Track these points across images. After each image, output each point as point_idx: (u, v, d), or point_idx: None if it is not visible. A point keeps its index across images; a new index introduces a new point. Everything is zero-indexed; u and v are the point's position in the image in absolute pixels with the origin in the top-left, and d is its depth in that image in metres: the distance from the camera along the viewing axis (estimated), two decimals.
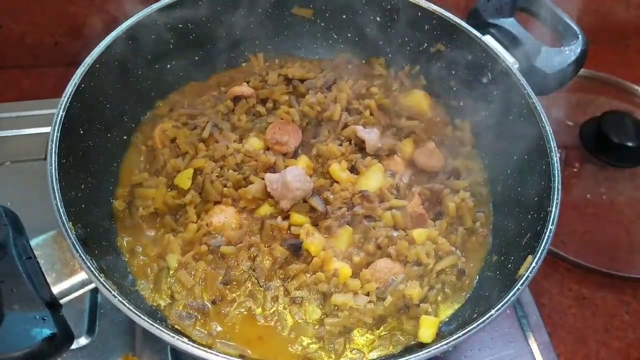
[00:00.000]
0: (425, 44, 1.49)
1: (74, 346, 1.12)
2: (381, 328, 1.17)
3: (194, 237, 1.22)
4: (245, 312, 1.16)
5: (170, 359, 1.27)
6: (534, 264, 1.07)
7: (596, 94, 1.86)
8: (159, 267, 1.20)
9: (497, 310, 1.01)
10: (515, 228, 1.25)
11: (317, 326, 1.15)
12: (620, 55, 2.14)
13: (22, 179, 1.52)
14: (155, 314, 1.14)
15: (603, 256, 1.56)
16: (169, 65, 1.45)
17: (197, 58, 1.50)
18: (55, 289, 0.99)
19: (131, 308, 0.96)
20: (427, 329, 1.13)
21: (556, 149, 1.22)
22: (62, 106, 1.15)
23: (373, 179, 1.31)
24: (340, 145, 1.37)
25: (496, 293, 1.10)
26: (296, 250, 1.21)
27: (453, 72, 1.47)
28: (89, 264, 0.98)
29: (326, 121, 1.42)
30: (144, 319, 0.95)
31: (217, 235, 1.22)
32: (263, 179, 1.27)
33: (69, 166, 1.13)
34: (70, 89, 1.17)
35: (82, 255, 0.99)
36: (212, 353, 0.94)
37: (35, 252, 1.00)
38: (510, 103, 1.33)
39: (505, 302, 1.03)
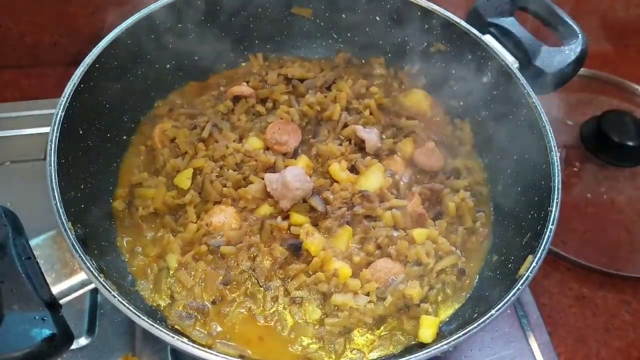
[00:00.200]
0: (425, 44, 1.49)
1: (73, 346, 1.12)
2: (381, 328, 1.17)
3: (194, 237, 1.22)
4: (245, 312, 1.16)
5: (170, 359, 1.27)
6: (534, 264, 1.07)
7: (596, 94, 1.86)
8: (158, 267, 1.20)
9: (497, 310, 1.01)
10: (516, 228, 1.25)
11: (317, 326, 1.15)
12: (620, 55, 2.14)
13: (21, 179, 1.52)
14: (155, 314, 1.13)
15: (603, 256, 1.56)
16: (168, 65, 1.45)
17: (196, 58, 1.50)
18: (55, 289, 0.99)
19: (131, 308, 0.96)
20: (427, 329, 1.13)
21: (556, 148, 1.21)
22: (62, 106, 1.14)
23: (373, 179, 1.31)
24: (340, 145, 1.37)
25: (496, 293, 1.10)
26: (296, 250, 1.21)
27: (453, 71, 1.47)
28: (88, 264, 0.98)
29: (326, 121, 1.42)
30: (143, 319, 0.95)
31: (216, 235, 1.22)
32: (263, 178, 1.27)
33: (68, 166, 1.13)
34: (69, 89, 1.17)
35: (81, 255, 0.98)
36: (212, 353, 0.94)
37: (35, 252, 1.00)
38: (510, 102, 1.33)
39: (506, 302, 1.02)
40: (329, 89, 1.48)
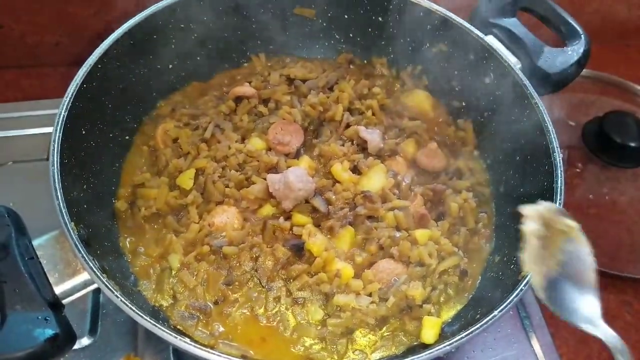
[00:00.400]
0: (428, 44, 1.48)
1: (76, 346, 1.12)
2: (384, 329, 1.17)
3: (196, 237, 1.22)
4: (248, 313, 1.16)
5: (173, 359, 1.27)
6: None
7: (598, 94, 1.85)
8: (161, 268, 1.20)
9: (500, 311, 1.01)
10: (518, 228, 1.25)
11: (319, 327, 1.15)
12: (622, 55, 2.14)
13: (24, 180, 1.51)
14: (157, 315, 1.14)
15: (605, 256, 1.55)
16: (170, 66, 1.45)
17: (198, 58, 1.50)
18: (58, 289, 0.99)
19: (133, 308, 0.96)
20: (429, 330, 1.13)
21: (559, 149, 1.21)
22: (65, 106, 1.14)
23: (375, 180, 1.31)
24: (343, 145, 1.37)
25: (499, 294, 1.10)
26: (298, 250, 1.21)
27: (455, 72, 1.47)
28: (91, 265, 0.98)
29: (328, 121, 1.42)
30: (146, 319, 0.95)
31: (219, 235, 1.22)
32: (265, 179, 1.27)
33: (71, 166, 1.13)
34: (72, 89, 1.17)
35: (84, 255, 0.99)
36: (214, 353, 0.94)
37: (38, 253, 1.00)
38: (512, 103, 1.33)
39: (508, 303, 1.03)
40: (331, 89, 1.48)
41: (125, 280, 1.16)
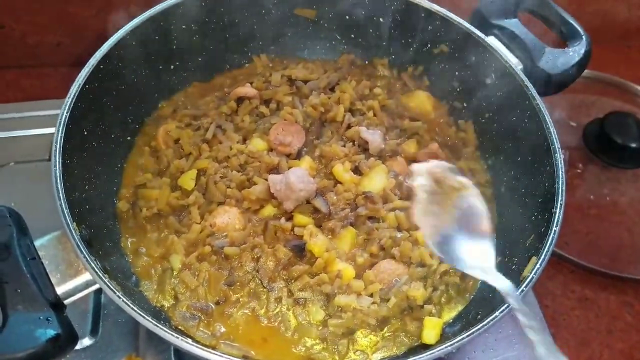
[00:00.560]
0: (429, 45, 1.49)
1: (77, 347, 1.11)
2: (385, 329, 1.17)
3: (198, 237, 1.22)
4: (249, 313, 1.16)
5: (174, 359, 1.27)
6: (538, 265, 1.07)
7: (599, 95, 1.85)
8: (162, 268, 1.20)
9: (501, 312, 1.01)
10: (519, 229, 1.25)
11: (320, 327, 1.15)
12: (623, 56, 2.14)
13: (26, 180, 1.51)
14: (159, 315, 1.14)
15: (606, 257, 1.56)
16: (172, 66, 1.45)
17: (200, 59, 1.50)
18: (60, 290, 0.99)
19: (135, 308, 0.96)
20: (430, 330, 1.13)
21: (560, 149, 1.21)
22: (67, 107, 1.14)
23: (376, 180, 1.31)
24: (344, 146, 1.37)
25: (500, 294, 1.10)
26: (300, 251, 1.21)
27: (456, 73, 1.47)
28: (93, 265, 0.98)
29: (329, 122, 1.42)
30: (147, 320, 0.95)
31: (220, 236, 1.22)
32: (266, 179, 1.27)
33: (73, 167, 1.13)
34: (74, 89, 1.17)
35: (86, 255, 0.99)
36: (215, 354, 0.94)
37: (40, 253, 1.00)
38: (513, 104, 1.33)
39: (510, 304, 1.02)
40: (332, 90, 1.49)
41: (127, 281, 1.16)
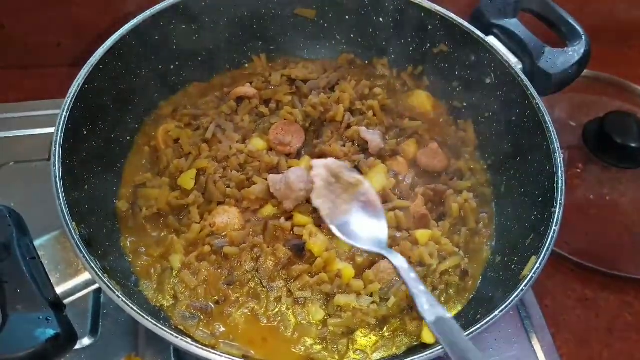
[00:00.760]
0: (428, 45, 1.49)
1: (77, 346, 1.11)
2: (384, 329, 1.17)
3: (198, 237, 1.22)
4: (249, 313, 1.16)
5: (173, 359, 1.27)
6: (538, 265, 1.07)
7: (599, 95, 1.85)
8: (162, 268, 1.20)
9: (500, 311, 1.01)
10: (519, 229, 1.25)
11: (320, 327, 1.15)
12: (623, 56, 2.13)
13: (25, 180, 1.52)
14: (158, 315, 1.14)
15: (606, 257, 1.56)
16: (172, 66, 1.45)
17: (200, 59, 1.50)
18: (59, 290, 0.99)
19: (135, 308, 0.96)
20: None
21: (559, 149, 1.21)
22: (66, 107, 1.15)
23: (376, 180, 1.31)
24: (344, 146, 1.37)
25: (500, 294, 1.10)
26: (299, 250, 1.21)
27: (456, 72, 1.47)
28: (92, 265, 0.98)
29: (329, 122, 1.42)
30: (147, 319, 0.95)
31: (220, 235, 1.22)
32: (266, 179, 1.27)
33: (72, 167, 1.13)
34: (73, 89, 1.18)
35: (85, 255, 0.99)
36: (215, 353, 0.94)
37: (39, 253, 1.00)
38: (513, 104, 1.33)
39: (509, 303, 1.03)
40: (332, 90, 1.49)
41: (127, 281, 1.16)
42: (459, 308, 1.22)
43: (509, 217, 1.32)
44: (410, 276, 1.01)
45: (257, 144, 1.36)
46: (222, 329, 1.14)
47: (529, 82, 1.30)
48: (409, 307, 1.17)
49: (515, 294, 1.04)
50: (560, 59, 1.35)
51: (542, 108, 1.26)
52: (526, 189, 1.29)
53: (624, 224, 1.62)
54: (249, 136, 1.39)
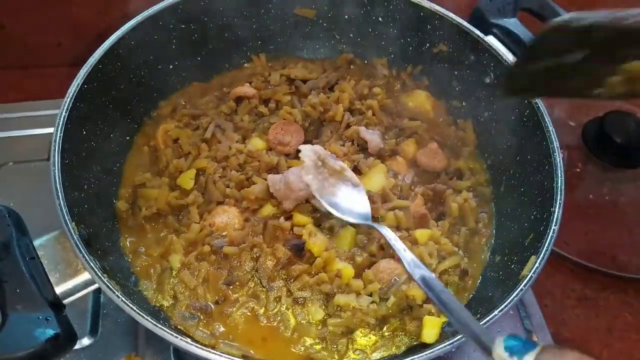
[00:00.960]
0: (428, 45, 1.49)
1: (76, 346, 1.12)
2: (384, 328, 1.17)
3: (197, 237, 1.22)
4: (248, 313, 1.17)
5: (173, 359, 1.27)
6: (537, 264, 1.08)
7: None
8: (162, 268, 1.20)
9: (500, 311, 1.02)
10: (518, 228, 1.25)
11: (320, 327, 1.15)
12: None
13: (25, 180, 1.52)
14: (158, 315, 1.14)
15: (605, 257, 1.56)
16: (171, 66, 1.46)
17: (199, 59, 1.50)
18: (59, 289, 0.99)
19: (134, 308, 0.96)
20: (430, 330, 1.13)
21: (559, 149, 1.21)
22: (65, 107, 1.15)
23: (376, 180, 1.31)
24: (343, 145, 1.37)
25: (499, 293, 1.10)
26: (299, 250, 1.21)
27: (455, 72, 1.47)
28: (92, 264, 0.98)
29: (328, 122, 1.42)
30: (147, 319, 0.95)
31: (219, 235, 1.22)
32: (265, 179, 1.27)
33: (72, 167, 1.13)
34: (73, 89, 1.18)
35: (85, 255, 0.99)
36: (215, 353, 0.94)
37: (39, 253, 1.00)
38: (512, 103, 1.33)
39: (509, 303, 1.03)
40: (331, 89, 1.49)
41: (126, 280, 1.16)
42: None
43: (509, 217, 1.32)
44: (396, 244, 1.11)
45: (256, 143, 1.37)
46: (222, 328, 1.14)
47: None
48: (409, 306, 1.17)
49: (515, 293, 1.04)
50: None
51: (541, 107, 1.26)
52: (525, 189, 1.29)
53: (623, 224, 1.62)
54: (248, 136, 1.39)
